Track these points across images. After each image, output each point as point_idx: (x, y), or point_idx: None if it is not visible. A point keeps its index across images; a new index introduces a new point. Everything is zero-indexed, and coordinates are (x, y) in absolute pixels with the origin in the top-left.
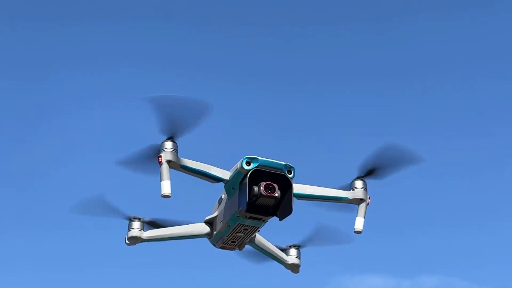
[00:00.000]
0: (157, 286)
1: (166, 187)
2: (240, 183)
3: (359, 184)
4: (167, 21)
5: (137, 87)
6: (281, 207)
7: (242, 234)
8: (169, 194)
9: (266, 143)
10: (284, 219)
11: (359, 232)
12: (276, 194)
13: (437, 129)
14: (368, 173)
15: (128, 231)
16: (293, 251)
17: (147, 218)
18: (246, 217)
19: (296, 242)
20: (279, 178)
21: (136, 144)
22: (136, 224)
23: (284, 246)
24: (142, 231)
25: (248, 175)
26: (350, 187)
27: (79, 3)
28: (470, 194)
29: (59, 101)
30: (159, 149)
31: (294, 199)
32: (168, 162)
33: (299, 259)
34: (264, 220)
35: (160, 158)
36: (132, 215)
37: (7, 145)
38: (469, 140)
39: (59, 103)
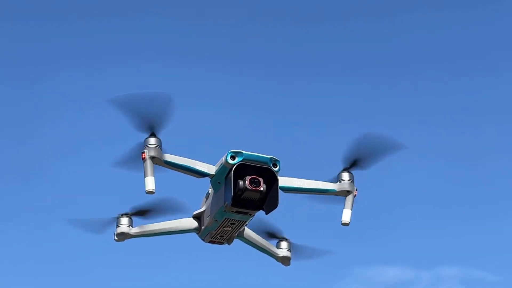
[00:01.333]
0: (150, 282)
1: (150, 183)
2: (226, 178)
3: (345, 176)
4: (160, 18)
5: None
6: (267, 201)
7: (230, 229)
8: (153, 190)
9: (254, 137)
10: (271, 213)
11: (346, 224)
12: (262, 188)
13: (432, 120)
14: (352, 164)
15: (116, 228)
16: (284, 244)
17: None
18: (232, 211)
19: (286, 235)
20: (265, 172)
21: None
22: (124, 220)
23: (278, 235)
24: (130, 227)
25: (233, 169)
26: (337, 179)
27: (78, 1)
28: (488, 184)
29: (57, 100)
30: (143, 145)
31: (281, 192)
32: (152, 158)
33: (290, 251)
34: (250, 214)
35: (143, 155)
36: (119, 213)
37: (6, 144)
38: (480, 128)
39: (57, 102)
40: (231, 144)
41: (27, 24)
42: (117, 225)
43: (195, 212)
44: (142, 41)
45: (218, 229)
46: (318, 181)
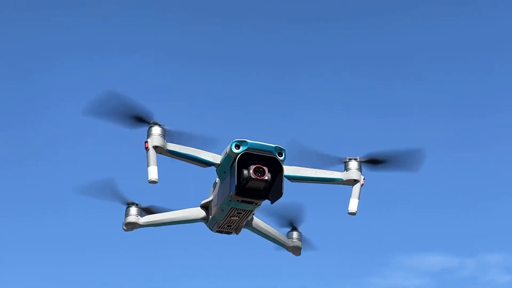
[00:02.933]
0: (157, 271)
1: (153, 173)
2: (231, 167)
3: (353, 165)
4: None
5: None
6: (273, 190)
7: (237, 218)
8: (156, 180)
9: (262, 128)
10: (276, 202)
11: (353, 214)
12: (266, 177)
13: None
14: (370, 161)
15: (125, 217)
16: (295, 234)
17: (143, 204)
18: (237, 201)
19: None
20: (270, 161)
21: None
22: (133, 210)
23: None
24: (139, 216)
25: (237, 158)
26: (344, 168)
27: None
28: None
29: (54, 92)
30: (146, 135)
31: (288, 181)
32: (155, 147)
33: (301, 241)
34: (256, 204)
35: (146, 144)
36: (130, 200)
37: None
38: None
39: (55, 94)
40: (237, 134)
41: (26, 16)
42: (126, 215)
43: (202, 202)
44: (139, 36)
45: (225, 219)
46: (325, 170)
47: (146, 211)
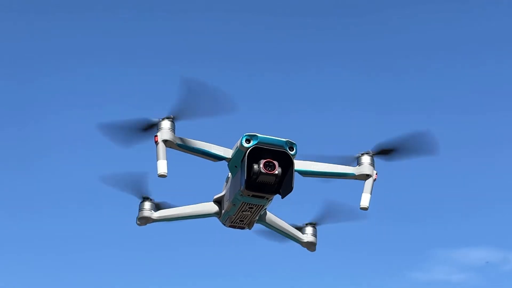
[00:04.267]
0: (171, 266)
1: (162, 167)
2: (242, 161)
3: (366, 159)
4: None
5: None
6: (283, 184)
7: (249, 213)
8: (165, 174)
9: (274, 123)
10: (287, 197)
11: (365, 209)
12: (277, 172)
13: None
14: (381, 152)
15: (138, 212)
16: (309, 229)
17: (156, 200)
18: (248, 195)
19: (312, 220)
20: (281, 155)
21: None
22: (147, 205)
23: (300, 224)
24: (152, 211)
25: (247, 153)
26: (356, 162)
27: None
28: None
29: (55, 96)
30: (156, 129)
31: (300, 176)
32: (165, 141)
33: (315, 237)
34: (267, 198)
35: (156, 138)
36: (146, 194)
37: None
38: None
39: (55, 99)
40: (250, 129)
41: (27, 19)
42: (139, 209)
43: (215, 196)
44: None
45: (237, 213)
46: (337, 165)
47: (158, 207)
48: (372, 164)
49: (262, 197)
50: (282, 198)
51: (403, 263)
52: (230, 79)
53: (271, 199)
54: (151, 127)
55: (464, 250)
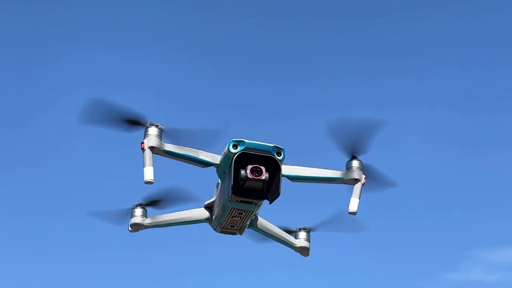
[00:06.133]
0: (163, 272)
1: (148, 173)
2: (229, 167)
3: (354, 163)
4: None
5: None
6: (271, 190)
7: (239, 218)
8: (152, 181)
9: (263, 128)
10: (274, 202)
11: (353, 213)
12: (263, 177)
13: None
14: (352, 152)
15: (130, 218)
16: (302, 234)
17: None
18: (237, 201)
19: (307, 225)
20: (268, 161)
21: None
22: (138, 211)
23: (293, 228)
24: (144, 217)
25: (234, 158)
26: (346, 167)
27: None
28: None
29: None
30: (143, 134)
31: (289, 181)
32: (151, 148)
33: (309, 242)
34: (256, 204)
35: (142, 145)
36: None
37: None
38: None
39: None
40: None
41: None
42: (131, 216)
43: (206, 202)
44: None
45: (227, 219)
46: (325, 169)
47: (150, 204)
48: (361, 168)
49: (250, 203)
50: (270, 203)
51: (439, 265)
52: (223, 82)
53: (260, 205)
54: (137, 125)
55: (502, 250)
